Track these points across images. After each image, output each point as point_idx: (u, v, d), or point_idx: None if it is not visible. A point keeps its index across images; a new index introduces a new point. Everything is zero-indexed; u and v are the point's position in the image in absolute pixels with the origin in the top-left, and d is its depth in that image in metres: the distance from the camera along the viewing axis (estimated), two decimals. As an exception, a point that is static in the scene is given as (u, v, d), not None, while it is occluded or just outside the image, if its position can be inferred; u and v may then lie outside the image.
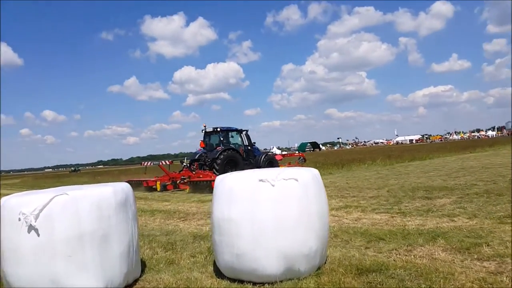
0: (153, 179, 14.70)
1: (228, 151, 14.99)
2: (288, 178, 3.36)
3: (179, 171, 14.72)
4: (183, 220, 7.30)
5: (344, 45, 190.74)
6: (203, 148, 15.63)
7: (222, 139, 15.55)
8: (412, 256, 3.96)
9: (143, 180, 14.98)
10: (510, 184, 8.22)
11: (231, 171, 12.52)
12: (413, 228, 5.16)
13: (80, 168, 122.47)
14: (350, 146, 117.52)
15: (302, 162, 18.39)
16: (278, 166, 16.45)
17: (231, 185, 3.46)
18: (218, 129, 15.70)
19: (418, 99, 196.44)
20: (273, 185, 3.31)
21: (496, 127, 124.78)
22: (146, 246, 5.12)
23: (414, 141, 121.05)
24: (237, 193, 3.38)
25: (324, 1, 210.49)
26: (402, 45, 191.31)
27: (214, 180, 11.19)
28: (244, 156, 15.96)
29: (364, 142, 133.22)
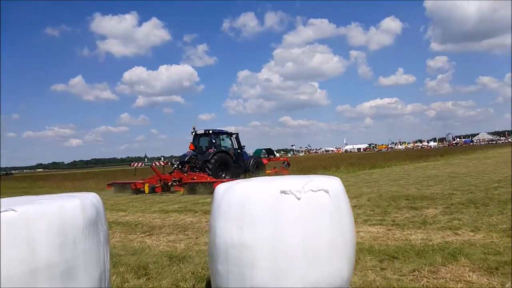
0: (140, 181, 14.18)
1: (220, 154, 15.08)
2: (317, 189, 2.61)
3: (169, 173, 14.33)
4: (148, 235, 6.30)
5: (299, 55, 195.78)
6: (193, 150, 15.51)
7: (214, 141, 15.63)
8: (442, 280, 3.40)
9: (130, 182, 14.40)
10: (495, 194, 8.06)
11: (223, 174, 13.18)
12: (420, 243, 4.63)
13: (13, 172, 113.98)
14: (303, 154, 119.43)
15: (287, 167, 18.21)
16: (265, 171, 16.98)
17: (242, 199, 2.64)
18: (210, 131, 15.71)
19: (365, 110, 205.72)
20: (298, 198, 2.55)
21: (437, 138, 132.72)
22: (111, 271, 4.13)
23: (361, 150, 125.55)
24: (252, 210, 2.57)
25: (280, 11, 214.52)
26: (353, 58, 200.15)
27: (213, 182, 10.45)
28: (234, 159, 15.98)
29: (316, 150, 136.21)
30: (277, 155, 33.53)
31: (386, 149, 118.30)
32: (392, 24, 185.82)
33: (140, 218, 8.24)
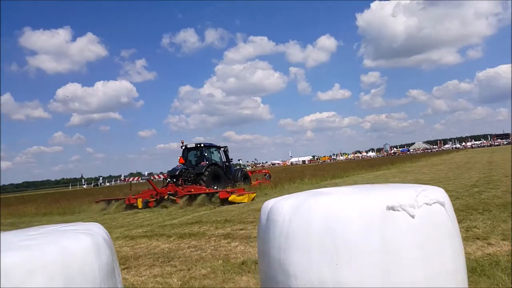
0: (134, 196, 14.05)
1: (213, 167, 15.49)
2: (432, 202, 1.89)
3: (163, 187, 14.40)
4: (125, 269, 5.19)
5: (241, 71, 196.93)
6: (183, 164, 15.71)
7: (205, 154, 16.04)
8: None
9: (123, 198, 14.34)
10: (484, 198, 7.87)
11: (215, 186, 12.57)
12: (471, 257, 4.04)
13: None
14: (251, 168, 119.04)
15: (269, 178, 18.75)
16: (252, 182, 17.38)
17: (329, 220, 1.83)
18: (202, 145, 16.12)
19: (306, 123, 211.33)
20: (412, 216, 1.81)
21: (375, 149, 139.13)
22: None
23: (306, 162, 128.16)
24: (349, 237, 1.78)
25: (221, 28, 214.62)
26: (292, 74, 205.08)
27: (214, 193, 12.29)
28: (224, 171, 16.48)
29: (262, 163, 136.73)
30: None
31: (329, 160, 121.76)
32: (327, 42, 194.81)
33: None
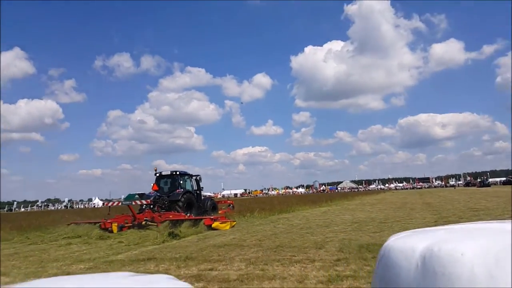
0: (108, 220, 13.74)
1: (187, 194, 15.90)
2: None
3: (139, 212, 14.61)
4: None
5: (176, 100, 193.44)
6: (156, 191, 15.90)
7: (181, 182, 16.37)
8: None
9: (97, 222, 14.18)
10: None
11: (188, 214, 14.59)
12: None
13: None
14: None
15: (232, 209, 19.37)
16: (219, 211, 17.79)
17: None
18: (177, 173, 16.49)
19: (238, 156, 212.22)
20: None
21: (305, 185, 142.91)
22: None
23: (238, 195, 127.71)
24: None
25: (158, 56, 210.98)
26: (228, 107, 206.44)
27: (199, 220, 12.75)
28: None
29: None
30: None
31: (261, 194, 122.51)
32: (263, 79, 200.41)
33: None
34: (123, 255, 8.52)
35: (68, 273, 6.66)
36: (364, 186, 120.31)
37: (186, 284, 0.97)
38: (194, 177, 17.60)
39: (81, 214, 30.79)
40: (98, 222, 13.88)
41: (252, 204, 25.48)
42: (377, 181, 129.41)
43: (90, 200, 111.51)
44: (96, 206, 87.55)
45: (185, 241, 10.52)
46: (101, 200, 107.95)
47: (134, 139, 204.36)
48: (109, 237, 11.92)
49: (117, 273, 0.98)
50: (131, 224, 13.86)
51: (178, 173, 16.59)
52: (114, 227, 13.29)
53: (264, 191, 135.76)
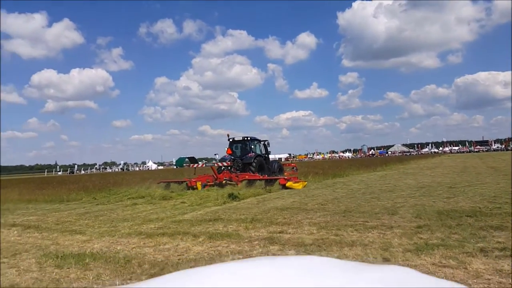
0: (194, 179, 15.27)
1: (258, 158, 17.14)
2: None
3: (218, 173, 16.17)
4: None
5: (218, 65, 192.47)
6: (230, 154, 17.31)
7: (252, 147, 17.68)
8: None
9: (183, 181, 15.79)
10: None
11: (261, 173, 16.68)
12: None
13: None
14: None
15: (296, 171, 19.72)
16: (284, 173, 18.48)
17: None
18: (248, 138, 17.80)
19: (282, 121, 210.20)
20: None
21: (352, 150, 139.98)
22: None
23: (283, 159, 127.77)
24: None
25: (199, 20, 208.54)
26: (270, 70, 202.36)
27: (275, 179, 14.46)
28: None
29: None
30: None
31: (305, 158, 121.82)
32: (307, 39, 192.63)
33: (118, 247, 5.76)
34: (189, 215, 8.63)
35: (140, 233, 6.82)
36: (416, 149, 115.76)
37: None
38: (262, 142, 18.74)
39: (137, 175, 32.25)
40: (184, 181, 15.48)
41: (303, 168, 25.26)
42: (430, 145, 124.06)
43: (144, 163, 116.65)
44: (149, 169, 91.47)
45: (245, 203, 10.51)
46: (155, 163, 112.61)
47: (181, 105, 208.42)
48: (172, 198, 12.21)
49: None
50: (212, 183, 15.44)
51: (249, 138, 17.82)
52: (199, 185, 14.78)
53: (309, 156, 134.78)
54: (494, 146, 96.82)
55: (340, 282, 0.95)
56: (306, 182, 14.90)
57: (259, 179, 14.67)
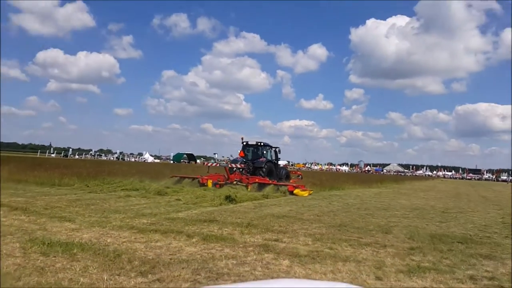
0: (205, 177, 15.97)
1: (269, 163, 17.74)
2: None
3: (231, 173, 16.66)
4: (157, 281, 3.95)
5: (228, 65, 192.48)
6: (242, 157, 17.93)
7: (264, 152, 18.36)
8: None
9: (195, 177, 16.39)
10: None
11: (269, 178, 17.07)
12: None
13: None
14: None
15: (301, 179, 20.32)
16: (290, 180, 19.18)
17: None
18: (262, 144, 18.49)
19: (285, 128, 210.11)
20: None
21: (349, 164, 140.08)
22: None
23: (282, 166, 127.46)
24: None
25: (214, 18, 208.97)
26: (279, 77, 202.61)
27: (283, 185, 15.28)
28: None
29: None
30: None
31: (303, 167, 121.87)
32: (318, 50, 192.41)
33: (108, 240, 5.70)
34: (183, 214, 8.58)
35: (132, 227, 6.76)
36: (411, 170, 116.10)
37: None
38: (273, 149, 19.34)
39: (132, 166, 32.03)
40: (197, 178, 16.12)
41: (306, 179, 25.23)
42: (425, 167, 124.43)
43: (140, 154, 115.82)
44: (146, 161, 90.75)
45: (242, 206, 10.49)
46: (151, 155, 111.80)
47: (185, 100, 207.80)
48: (167, 194, 12.15)
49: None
50: (223, 183, 15.66)
51: (262, 144, 18.49)
52: (209, 183, 15.13)
53: (307, 165, 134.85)
54: (486, 176, 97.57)
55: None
56: (312, 191, 15.41)
57: (269, 184, 15.23)
